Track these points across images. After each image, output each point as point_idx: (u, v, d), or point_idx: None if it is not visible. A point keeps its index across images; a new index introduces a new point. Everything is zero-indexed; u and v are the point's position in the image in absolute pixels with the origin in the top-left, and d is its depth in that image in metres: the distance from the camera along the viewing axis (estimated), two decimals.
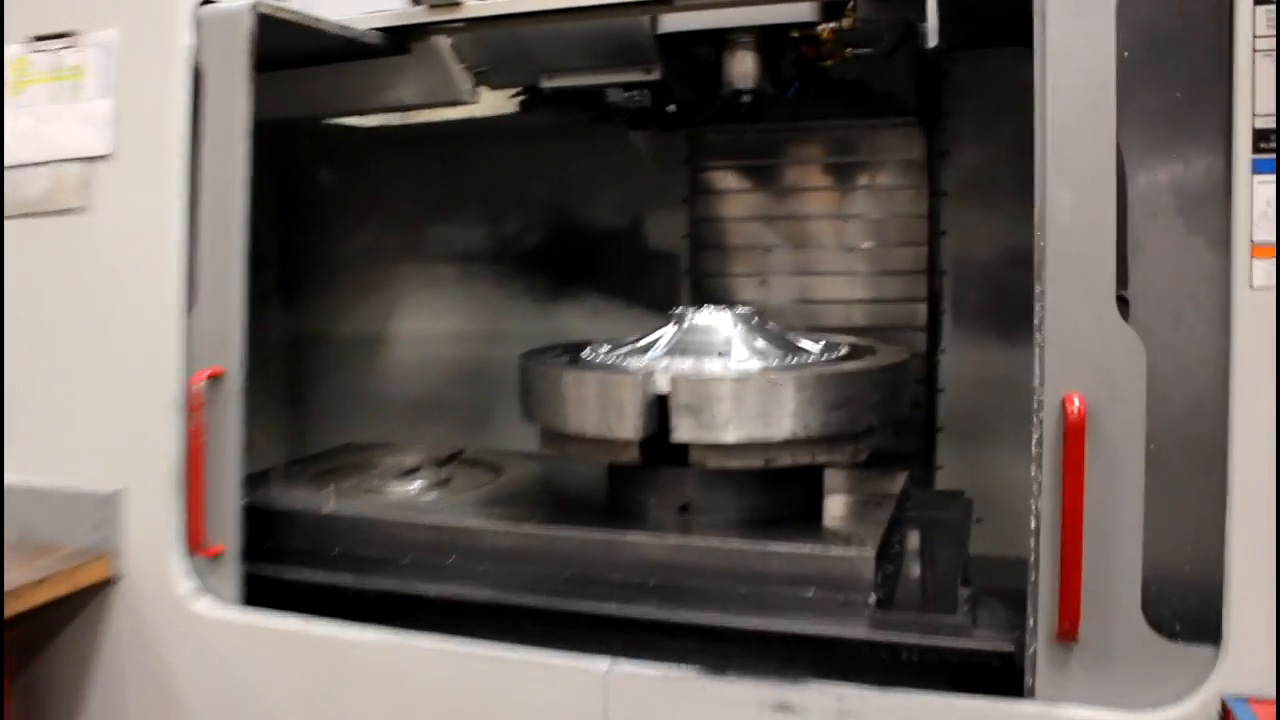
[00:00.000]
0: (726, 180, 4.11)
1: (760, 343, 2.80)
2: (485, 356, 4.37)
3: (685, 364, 2.66)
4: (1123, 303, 2.12)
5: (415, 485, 3.17)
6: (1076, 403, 2.08)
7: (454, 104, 3.44)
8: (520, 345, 4.11)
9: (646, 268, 4.23)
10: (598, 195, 4.27)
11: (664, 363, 2.67)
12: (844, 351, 2.86)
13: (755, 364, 2.67)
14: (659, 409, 2.55)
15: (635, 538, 2.61)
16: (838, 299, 4.02)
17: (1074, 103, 2.14)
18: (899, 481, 3.01)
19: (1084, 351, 2.12)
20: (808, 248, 4.04)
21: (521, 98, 3.61)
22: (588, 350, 2.97)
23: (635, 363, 2.73)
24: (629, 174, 4.21)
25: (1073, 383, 2.12)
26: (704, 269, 4.14)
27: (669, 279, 4.20)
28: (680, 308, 2.96)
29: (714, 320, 2.85)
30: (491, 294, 4.43)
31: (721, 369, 2.64)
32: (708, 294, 4.08)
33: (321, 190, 4.62)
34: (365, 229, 4.57)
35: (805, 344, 2.90)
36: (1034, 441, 2.16)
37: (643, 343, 2.91)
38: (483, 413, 4.31)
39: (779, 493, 2.70)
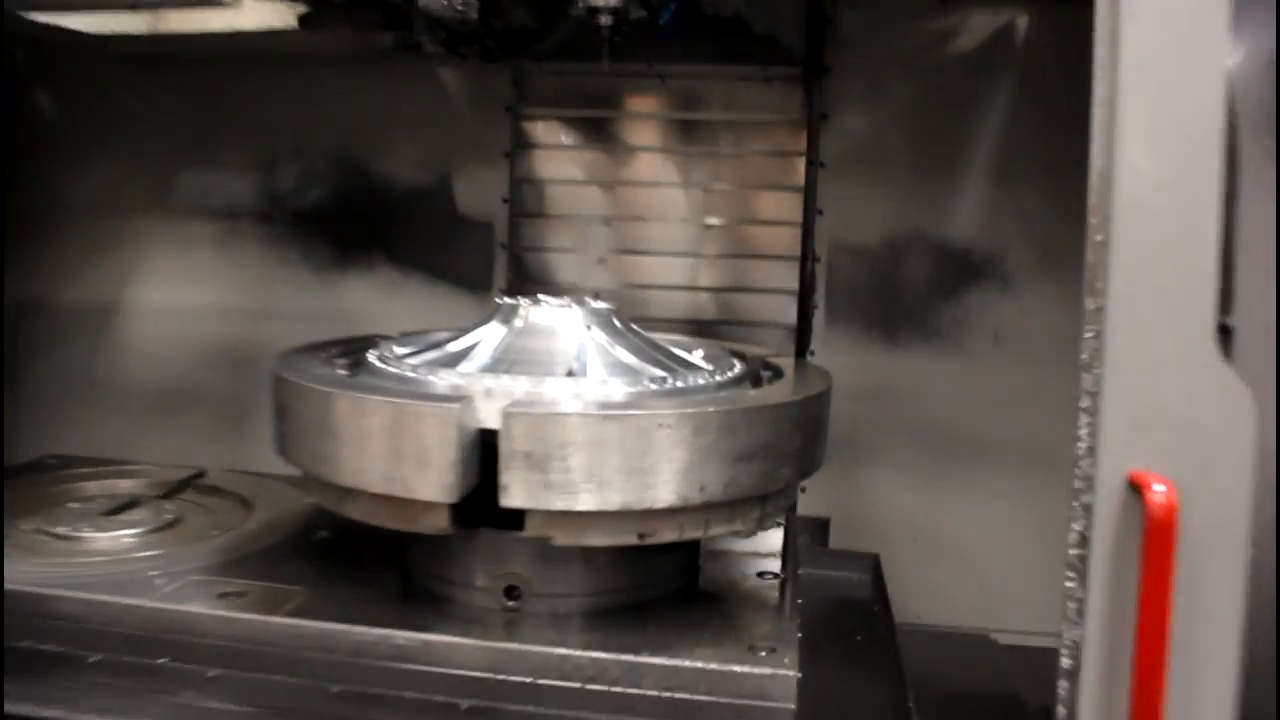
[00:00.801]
0: (558, 133, 3.22)
1: (623, 353, 1.91)
2: (249, 338, 3.39)
3: (519, 384, 1.74)
4: (1224, 333, 1.31)
5: (124, 532, 2.15)
6: (1162, 491, 1.25)
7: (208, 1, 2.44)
8: (294, 326, 3.24)
9: (455, 236, 3.33)
10: (397, 143, 3.34)
11: (488, 382, 1.75)
12: (737, 369, 1.99)
13: (622, 388, 1.77)
14: (481, 454, 1.64)
15: (440, 638, 1.69)
16: (684, 285, 3.16)
17: (1169, 21, 1.31)
18: (781, 534, 2.17)
19: (1166, 407, 1.29)
20: (652, 221, 3.17)
21: (302, 8, 2.62)
22: (375, 353, 2.03)
23: (445, 379, 1.80)
24: (437, 119, 3.30)
25: (1146, 454, 1.30)
26: (525, 241, 3.24)
27: (483, 251, 3.33)
28: (509, 299, 2.04)
29: (559, 319, 1.95)
30: (259, 260, 3.43)
31: (575, 396, 1.74)
32: (529, 271, 3.21)
33: (41, 119, 3.48)
34: (98, 171, 3.48)
35: (681, 354, 2.02)
36: (1074, 537, 1.33)
37: (455, 345, 1.98)
38: (243, 410, 3.31)
39: (647, 566, 1.83)
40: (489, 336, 1.95)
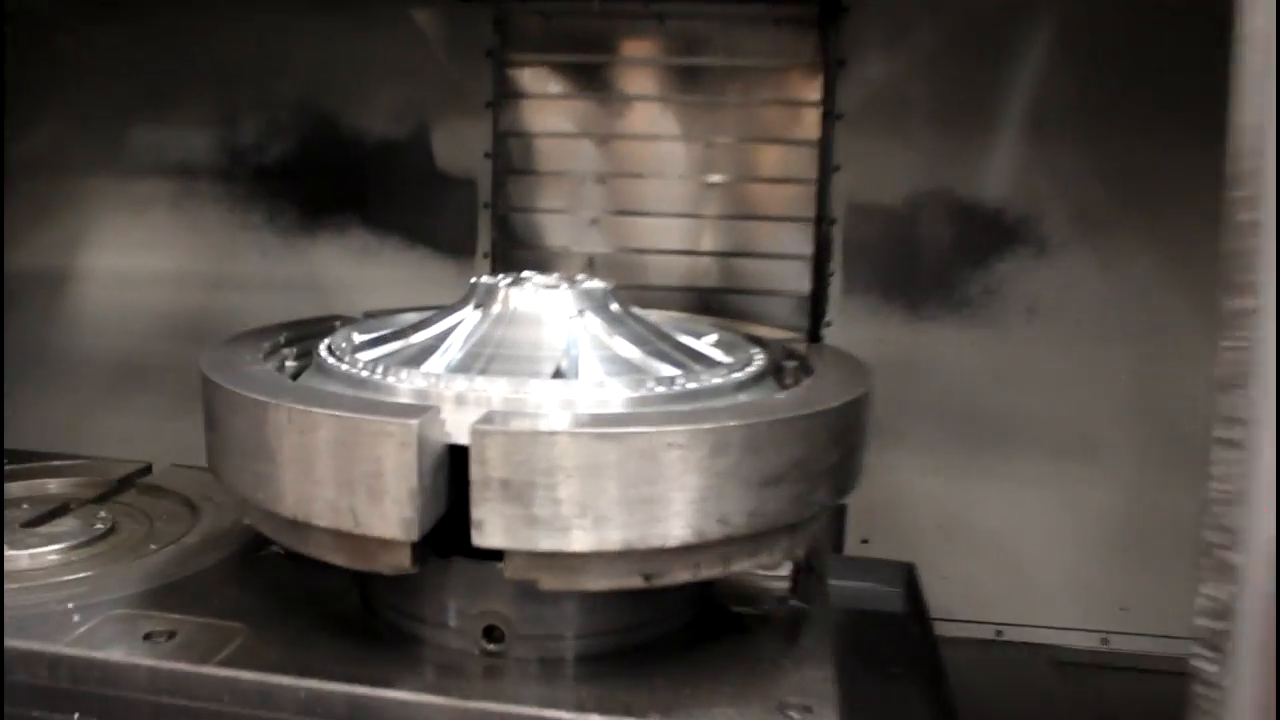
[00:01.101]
0: (545, 81, 2.88)
1: (621, 344, 1.59)
2: (209, 308, 3.06)
3: (496, 388, 1.42)
4: None
5: (47, 548, 1.83)
6: None
7: None
8: (259, 295, 2.96)
9: (435, 195, 2.99)
10: (369, 93, 2.97)
11: (458, 385, 1.42)
12: (757, 362, 1.66)
13: (622, 392, 1.44)
14: (451, 474, 1.32)
15: (405, 695, 1.38)
16: (685, 249, 2.84)
17: None
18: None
19: None
20: (650, 178, 2.83)
21: None
22: (327, 344, 1.70)
23: (406, 381, 1.47)
24: (412, 66, 2.93)
25: None
26: (511, 200, 2.91)
27: (465, 212, 2.98)
28: (487, 279, 1.71)
29: (545, 304, 1.62)
30: (220, 223, 3.09)
31: (564, 405, 1.41)
32: (515, 234, 2.89)
33: None
34: (42, 126, 3.12)
35: (690, 343, 1.70)
36: (1206, 603, 1.02)
37: (422, 334, 1.65)
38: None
39: (653, 603, 1.51)
40: (463, 325, 1.62)
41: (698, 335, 1.78)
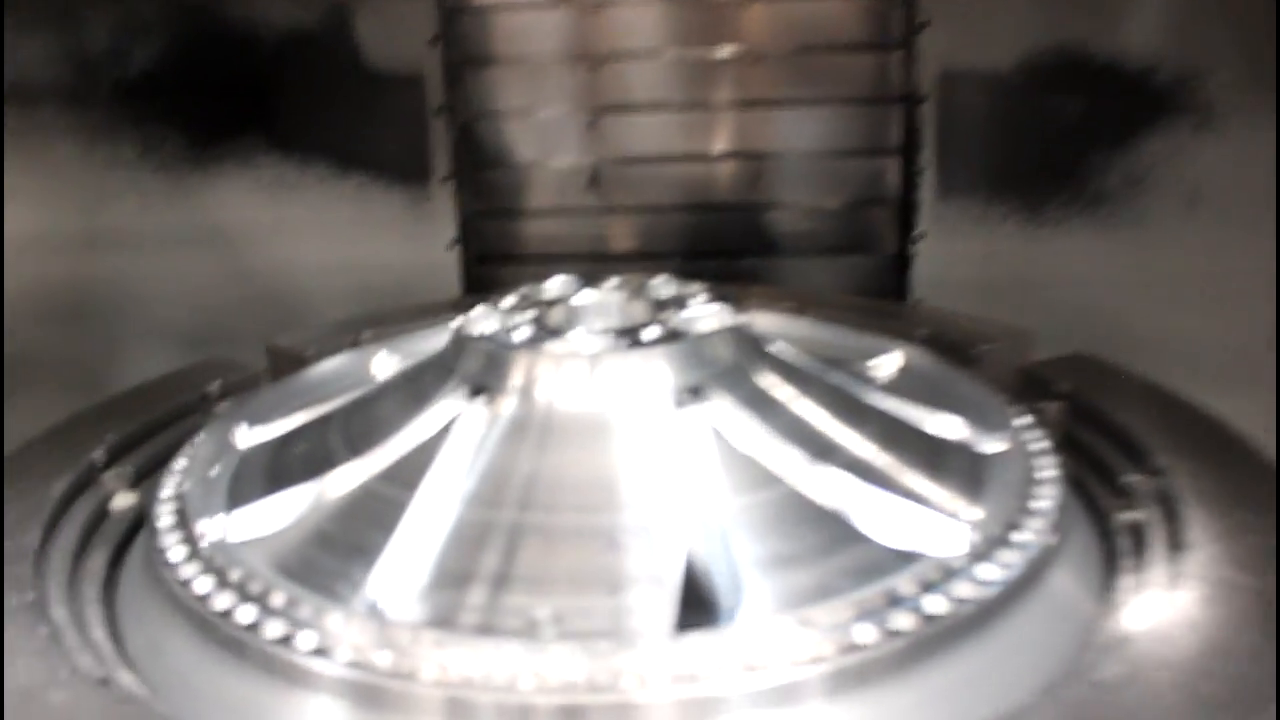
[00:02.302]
0: None
1: (791, 465, 0.77)
2: (85, 276, 2.21)
3: (543, 667, 0.60)
4: None
5: None
6: None
7: None
8: (144, 255, 2.21)
9: (367, 101, 2.13)
10: None
11: (449, 656, 0.62)
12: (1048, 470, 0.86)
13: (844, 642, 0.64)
14: None
15: None
16: (716, 153, 2.04)
17: None
18: None
19: None
20: (659, 60, 1.99)
21: None
22: (177, 486, 0.87)
23: (330, 651, 0.66)
24: None
25: None
26: (473, 103, 2.03)
27: (411, 121, 2.12)
28: (476, 321, 0.88)
29: (614, 389, 0.79)
30: (78, 162, 2.18)
31: None
32: (483, 147, 2.03)
33: None
34: None
35: (897, 414, 0.89)
36: None
37: (365, 465, 0.83)
38: (90, 376, 2.14)
39: None
40: (449, 447, 0.80)
41: (872, 359, 0.97)
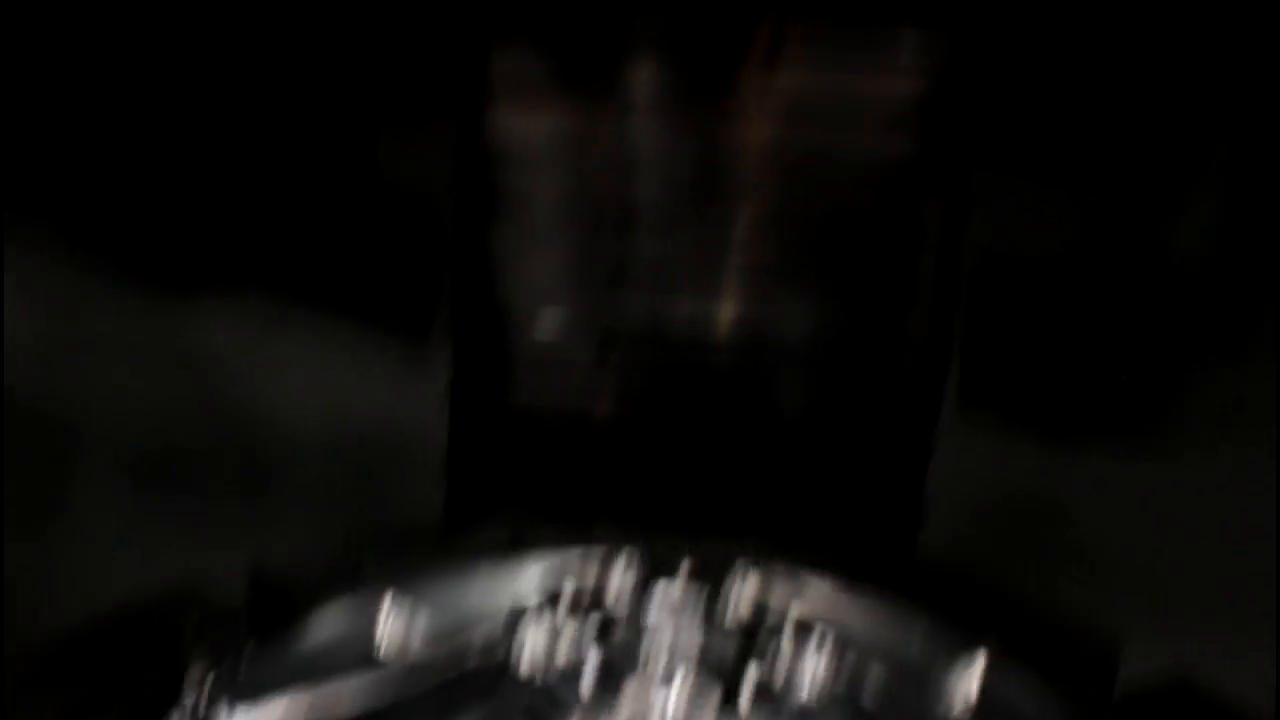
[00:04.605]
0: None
1: None
2: (42, 388, 1.89)
3: None
4: None
5: None
6: None
7: None
8: (115, 370, 1.90)
9: (371, 236, 1.86)
10: None
11: None
12: None
13: None
14: None
15: None
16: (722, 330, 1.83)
17: None
18: None
19: None
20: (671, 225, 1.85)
21: None
22: None
23: None
24: None
25: None
26: (481, 250, 1.86)
27: (416, 262, 1.88)
28: None
29: None
30: (60, 263, 1.88)
31: None
32: (485, 299, 1.84)
33: None
34: None
35: None
36: None
37: None
38: (32, 503, 1.82)
39: None
40: None
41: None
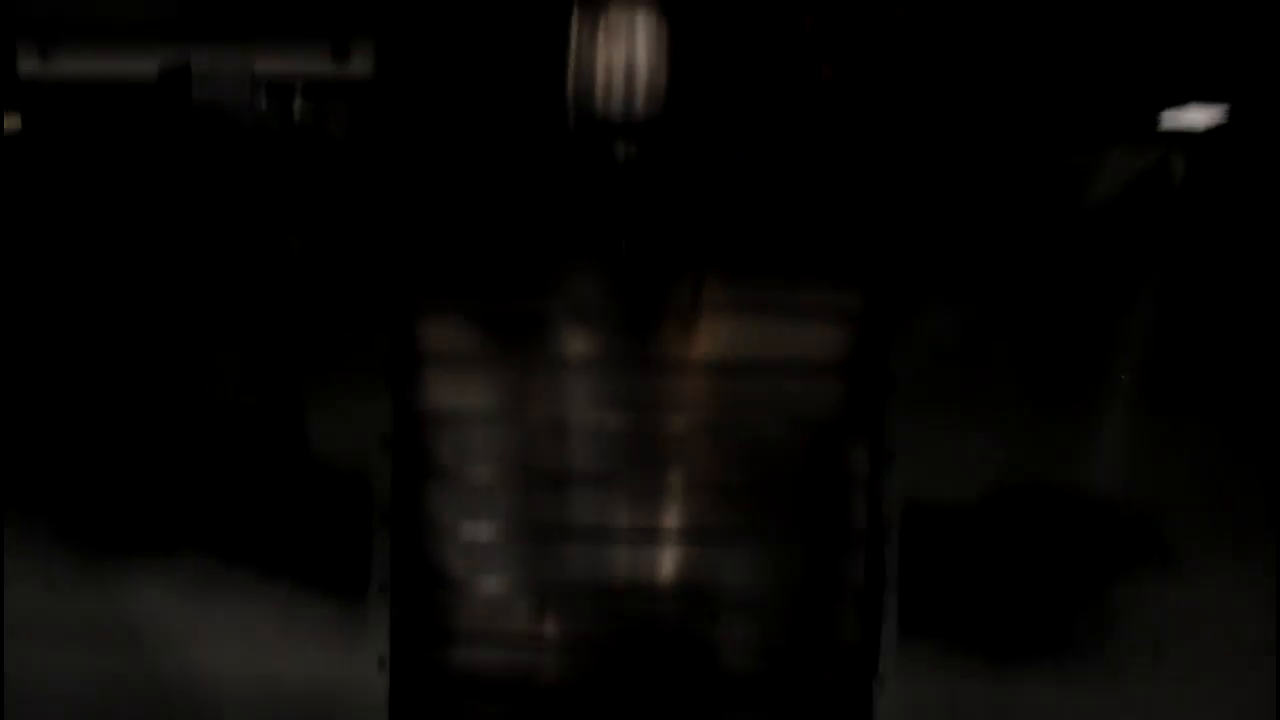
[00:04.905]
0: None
1: None
2: None
3: None
4: None
5: None
6: None
7: None
8: (44, 641, 1.95)
9: (306, 501, 1.89)
10: None
11: None
12: None
13: None
14: None
15: None
16: (662, 586, 1.94)
17: None
18: None
19: None
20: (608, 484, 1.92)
21: None
22: None
23: None
24: None
25: None
26: (417, 514, 1.85)
27: (352, 527, 1.87)
28: None
29: None
30: None
31: None
32: (423, 564, 1.84)
33: None
34: None
35: None
36: None
37: None
38: None
39: None
40: None
41: None
